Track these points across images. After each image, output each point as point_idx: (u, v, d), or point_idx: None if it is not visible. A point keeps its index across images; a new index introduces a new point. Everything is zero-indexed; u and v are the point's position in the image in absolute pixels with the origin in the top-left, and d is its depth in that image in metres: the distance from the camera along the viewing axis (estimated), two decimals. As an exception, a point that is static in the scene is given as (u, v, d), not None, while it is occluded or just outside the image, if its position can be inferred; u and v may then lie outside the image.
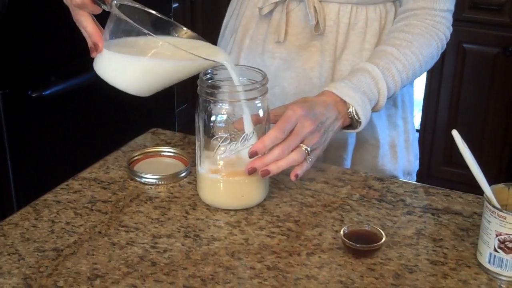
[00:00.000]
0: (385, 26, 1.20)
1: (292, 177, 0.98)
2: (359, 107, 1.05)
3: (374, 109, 1.10)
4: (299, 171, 0.98)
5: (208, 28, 3.06)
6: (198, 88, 0.97)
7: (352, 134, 1.23)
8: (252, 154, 0.96)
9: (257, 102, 0.97)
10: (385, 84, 1.09)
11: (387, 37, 1.17)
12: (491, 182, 0.88)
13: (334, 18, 1.19)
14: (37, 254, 0.89)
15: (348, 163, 1.25)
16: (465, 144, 0.88)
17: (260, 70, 1.00)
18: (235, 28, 1.30)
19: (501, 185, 0.90)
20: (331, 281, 0.85)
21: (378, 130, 1.25)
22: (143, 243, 0.92)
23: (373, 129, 1.24)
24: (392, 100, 1.25)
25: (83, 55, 1.97)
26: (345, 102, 1.05)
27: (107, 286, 0.83)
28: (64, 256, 0.89)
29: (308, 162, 0.99)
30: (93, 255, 0.89)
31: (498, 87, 2.60)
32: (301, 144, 0.98)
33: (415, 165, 1.34)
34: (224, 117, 0.96)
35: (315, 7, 1.17)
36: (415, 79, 1.19)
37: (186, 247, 0.91)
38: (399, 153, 1.29)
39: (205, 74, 0.98)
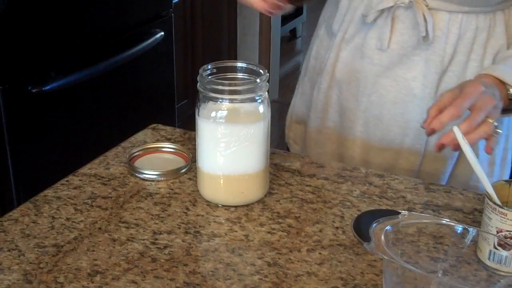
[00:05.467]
0: (492, 36, 1.16)
1: (489, 151, 1.01)
2: None
3: None
4: (493, 144, 1.00)
5: (208, 24, 3.06)
6: (198, 84, 0.97)
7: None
8: (430, 132, 0.98)
9: (257, 98, 0.97)
10: None
11: None
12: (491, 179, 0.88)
13: (443, 28, 1.14)
14: (37, 250, 0.89)
15: (445, 177, 1.22)
16: (466, 141, 0.88)
17: (261, 66, 0.99)
18: (333, 30, 1.25)
19: (501, 182, 0.90)
20: (331, 277, 0.85)
21: (480, 146, 1.19)
22: (143, 239, 0.92)
23: (477, 145, 1.19)
24: None
25: (83, 51, 1.98)
26: (504, 83, 1.05)
27: (107, 282, 0.83)
28: (64, 252, 0.89)
29: (495, 136, 1.00)
30: (93, 251, 0.89)
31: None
32: (487, 118, 0.99)
33: None
34: (225, 113, 0.96)
35: (424, 16, 1.12)
36: None
37: (186, 243, 0.91)
38: (495, 171, 1.25)
39: (205, 70, 0.98)
